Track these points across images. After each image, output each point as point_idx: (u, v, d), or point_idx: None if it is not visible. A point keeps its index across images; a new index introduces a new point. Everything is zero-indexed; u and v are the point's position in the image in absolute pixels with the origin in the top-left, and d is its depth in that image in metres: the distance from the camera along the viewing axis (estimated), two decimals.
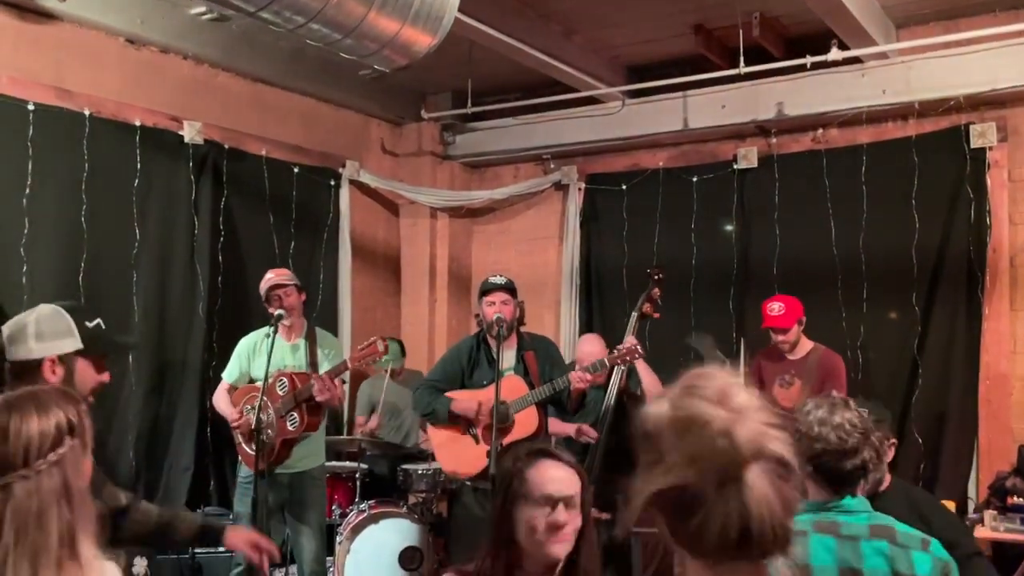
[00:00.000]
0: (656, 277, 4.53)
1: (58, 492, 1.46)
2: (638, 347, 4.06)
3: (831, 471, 1.89)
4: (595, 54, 5.55)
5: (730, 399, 1.03)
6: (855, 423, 1.92)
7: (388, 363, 5.40)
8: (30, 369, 2.07)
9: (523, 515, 1.81)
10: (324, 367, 4.16)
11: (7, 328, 2.12)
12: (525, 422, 3.94)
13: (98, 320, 2.22)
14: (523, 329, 4.22)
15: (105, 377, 2.19)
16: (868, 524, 1.87)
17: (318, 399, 3.99)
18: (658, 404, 1.07)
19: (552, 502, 1.80)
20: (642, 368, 4.71)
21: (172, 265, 5.07)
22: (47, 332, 2.10)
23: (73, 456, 1.51)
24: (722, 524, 0.98)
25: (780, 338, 4.46)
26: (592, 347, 4.83)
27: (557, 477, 1.83)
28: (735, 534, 0.98)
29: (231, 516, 4.35)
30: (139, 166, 4.89)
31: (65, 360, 2.11)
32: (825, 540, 1.82)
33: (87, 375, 2.17)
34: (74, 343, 2.13)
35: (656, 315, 4.65)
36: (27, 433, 1.47)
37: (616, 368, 4.30)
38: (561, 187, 6.38)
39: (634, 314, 4.56)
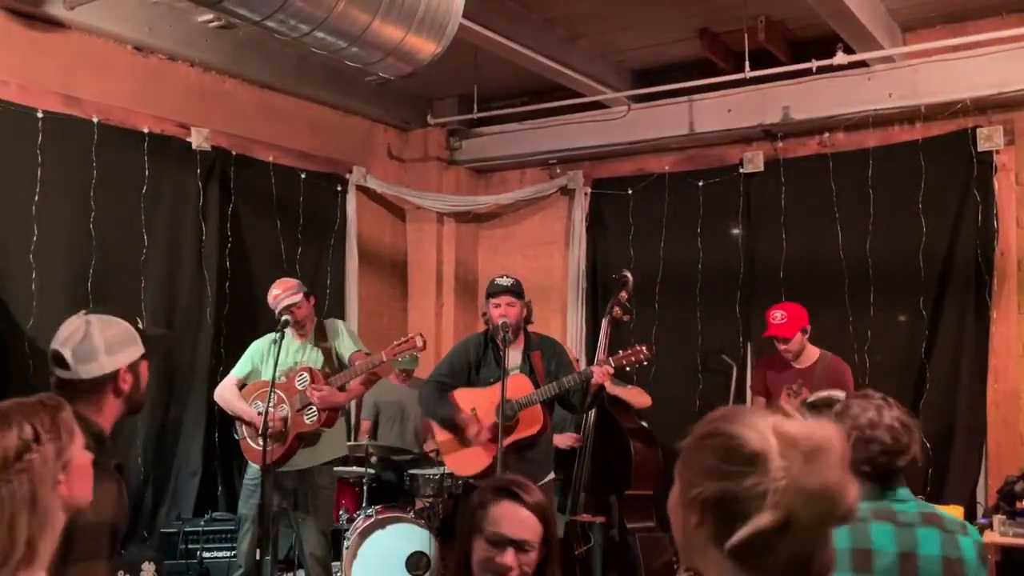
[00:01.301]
0: (622, 281, 4.55)
1: (27, 500, 1.48)
2: (644, 348, 4.07)
3: (886, 468, 2.00)
4: (600, 59, 5.56)
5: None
6: (904, 420, 2.03)
7: (406, 363, 5.43)
8: (103, 383, 1.99)
9: (476, 547, 1.81)
10: (345, 349, 4.27)
11: (67, 347, 1.98)
12: (530, 420, 3.96)
13: (138, 319, 2.18)
14: (531, 329, 4.24)
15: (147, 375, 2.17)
16: (918, 512, 1.98)
17: (322, 407, 4.08)
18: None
19: (502, 543, 1.78)
20: (613, 388, 4.72)
21: (180, 271, 5.10)
22: (115, 343, 2.01)
23: (43, 461, 1.52)
24: (796, 560, 1.02)
25: (783, 347, 4.43)
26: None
27: (515, 519, 1.81)
28: (801, 571, 1.03)
29: (237, 518, 4.37)
30: (147, 173, 4.92)
31: (134, 366, 2.05)
32: (884, 527, 1.94)
33: (145, 377, 2.11)
34: (140, 348, 2.06)
35: (626, 318, 4.68)
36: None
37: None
38: (567, 192, 6.39)
39: (604, 321, 4.60)
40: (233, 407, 4.27)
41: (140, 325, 2.13)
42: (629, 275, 4.65)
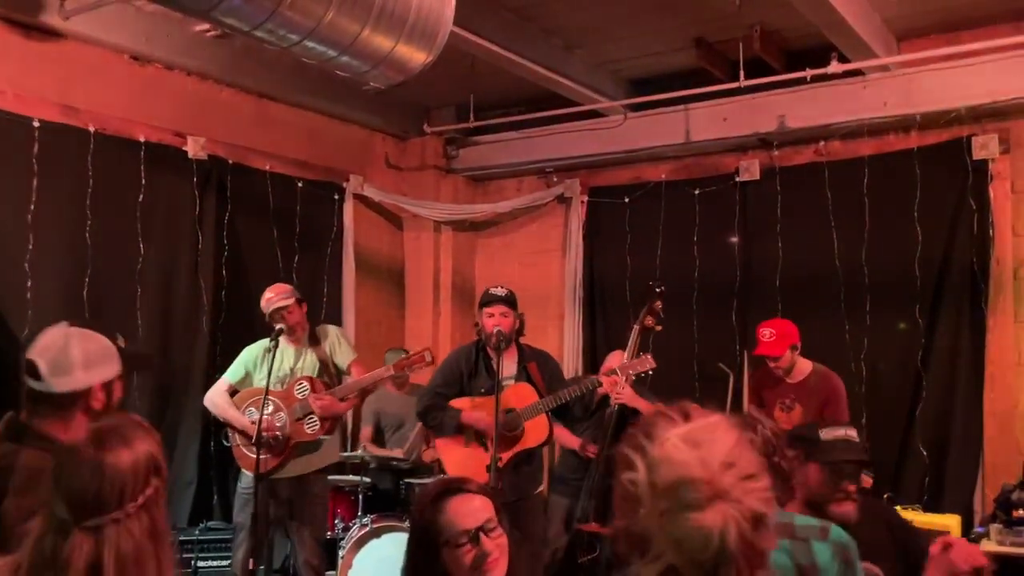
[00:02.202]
0: (658, 290, 4.53)
1: (149, 533, 1.43)
2: (648, 357, 4.07)
3: None
4: (597, 67, 5.57)
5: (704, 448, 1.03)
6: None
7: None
8: (74, 399, 1.94)
9: (449, 559, 1.79)
10: (342, 357, 4.29)
11: (43, 358, 1.93)
12: (536, 430, 3.96)
13: (119, 336, 2.11)
14: (523, 341, 4.23)
15: (121, 392, 2.13)
16: None
17: (322, 415, 4.08)
18: (634, 466, 1.07)
19: (473, 536, 1.80)
20: (631, 398, 4.70)
21: (176, 280, 5.10)
22: (93, 359, 1.96)
23: (158, 495, 1.47)
24: None
25: (772, 364, 4.42)
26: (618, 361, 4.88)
27: (469, 510, 1.83)
28: None
29: (232, 527, 4.36)
30: (143, 182, 4.93)
31: (107, 386, 2.00)
32: None
33: (118, 395, 2.06)
34: (117, 366, 2.02)
35: (658, 328, 4.66)
36: (121, 472, 1.42)
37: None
38: (564, 200, 6.39)
39: (636, 327, 4.57)
40: (225, 414, 4.27)
41: (120, 343, 2.08)
42: (663, 288, 4.67)
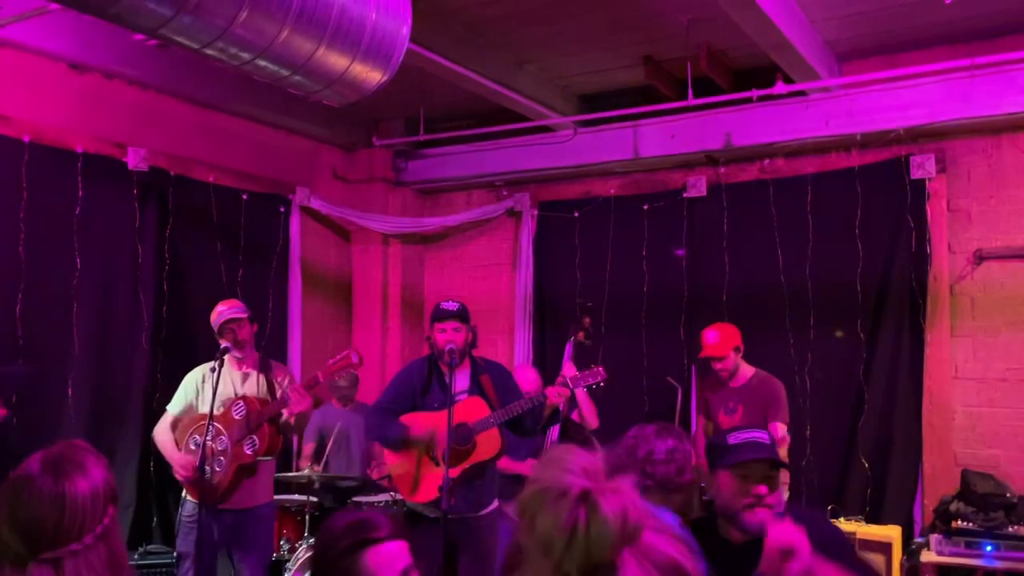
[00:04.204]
0: (588, 305, 4.67)
1: (108, 563, 1.40)
2: (600, 368, 4.09)
3: None
4: (547, 83, 5.59)
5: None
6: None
7: (342, 386, 5.39)
8: None
9: None
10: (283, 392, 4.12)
11: None
12: (488, 444, 3.92)
13: None
14: (476, 354, 4.20)
15: (3, 412, 2.07)
16: None
17: (296, 411, 3.93)
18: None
19: None
20: (581, 395, 4.75)
21: (114, 295, 4.94)
22: None
23: (115, 524, 1.45)
24: None
25: (718, 366, 4.60)
26: (532, 374, 4.92)
27: (387, 560, 1.68)
28: None
29: (174, 555, 4.22)
30: (81, 194, 4.77)
31: None
32: None
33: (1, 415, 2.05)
34: None
35: (588, 342, 4.77)
36: (81, 503, 1.39)
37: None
38: (514, 214, 6.40)
39: (568, 343, 4.66)
40: (167, 455, 4.09)
41: None
42: (590, 305, 4.97)
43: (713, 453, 2.31)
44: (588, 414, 4.88)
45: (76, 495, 1.39)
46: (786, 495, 2.41)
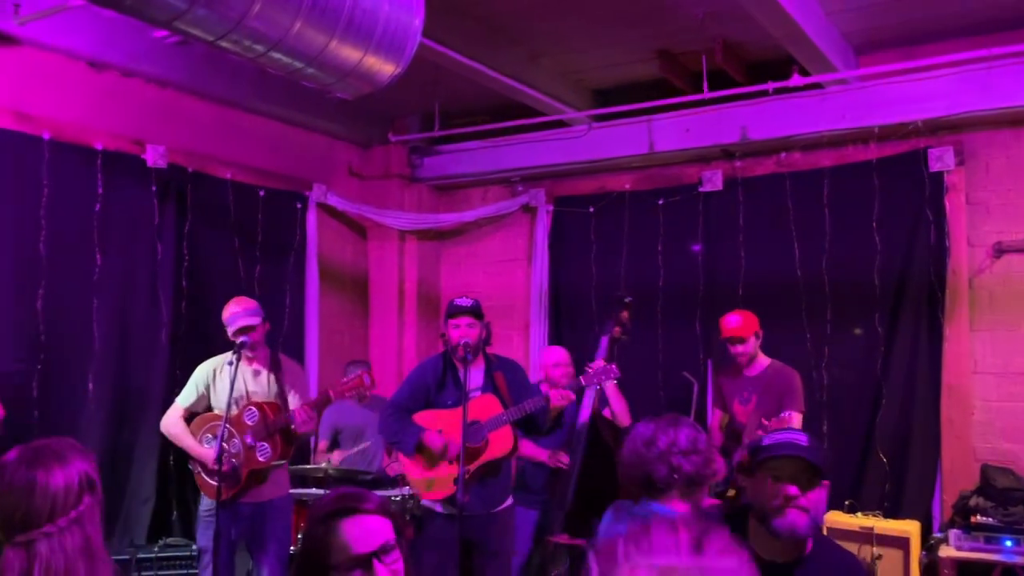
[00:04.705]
0: (626, 300, 4.57)
1: (83, 550, 1.43)
2: (613, 367, 4.07)
3: None
4: (562, 78, 5.59)
5: None
6: None
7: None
8: None
9: None
10: (293, 400, 4.14)
11: None
12: (500, 442, 3.93)
13: None
14: (490, 351, 4.21)
15: (1, 412, 2.12)
16: None
17: (301, 431, 4.00)
18: None
19: (364, 562, 1.61)
20: (612, 391, 4.73)
21: (134, 292, 4.98)
22: None
23: (91, 512, 1.48)
24: None
25: (739, 348, 4.49)
26: (559, 357, 4.87)
27: (363, 532, 1.64)
28: None
29: (194, 549, 4.26)
30: (100, 191, 4.82)
31: None
32: None
33: None
34: None
35: (624, 338, 4.68)
36: (52, 489, 1.43)
37: (586, 390, 4.30)
38: (529, 209, 6.40)
39: (604, 338, 4.59)
40: (182, 443, 4.14)
41: None
42: (630, 298, 4.67)
43: (752, 453, 2.22)
44: (619, 411, 4.85)
45: (48, 482, 1.43)
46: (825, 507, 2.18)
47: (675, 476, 2.24)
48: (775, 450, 2.14)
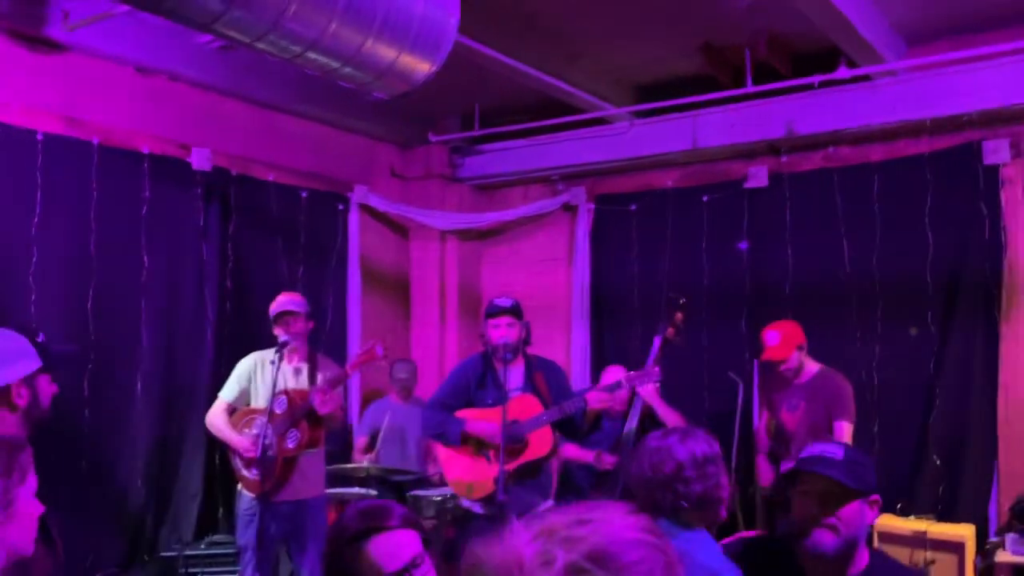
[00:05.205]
0: (680, 302, 4.51)
1: None
2: (656, 369, 4.02)
3: None
4: (602, 74, 5.53)
5: None
6: None
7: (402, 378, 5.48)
8: None
9: None
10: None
11: None
12: (540, 442, 3.91)
13: (41, 333, 2.17)
14: (530, 352, 4.19)
15: (55, 389, 2.16)
16: None
17: (321, 412, 4.01)
18: None
19: None
20: (656, 400, 4.65)
21: (180, 292, 5.07)
22: (6, 355, 2.02)
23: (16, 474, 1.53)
24: None
25: (781, 368, 4.43)
26: (619, 376, 4.83)
27: (392, 549, 1.63)
28: None
29: (236, 548, 4.31)
30: (147, 194, 4.91)
31: (29, 380, 2.05)
32: None
33: (47, 392, 2.11)
34: (35, 361, 2.06)
35: (678, 339, 4.63)
36: None
37: (635, 398, 4.28)
38: (570, 208, 6.36)
39: (657, 339, 4.54)
40: (224, 436, 4.21)
41: (40, 339, 2.12)
42: (685, 299, 4.59)
43: (787, 478, 2.12)
44: (665, 417, 4.79)
45: None
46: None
47: (683, 503, 2.15)
48: (803, 465, 2.06)
